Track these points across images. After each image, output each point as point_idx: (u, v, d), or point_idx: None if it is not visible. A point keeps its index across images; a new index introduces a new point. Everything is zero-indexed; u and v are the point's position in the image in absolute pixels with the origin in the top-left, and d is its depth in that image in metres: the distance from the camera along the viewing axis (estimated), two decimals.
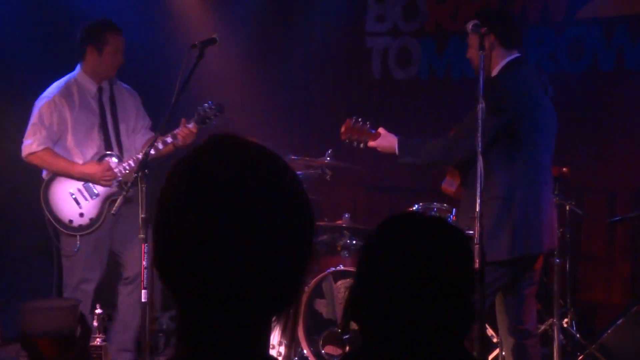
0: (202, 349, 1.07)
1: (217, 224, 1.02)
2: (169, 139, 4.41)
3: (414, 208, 4.55)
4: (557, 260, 4.54)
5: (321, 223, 4.97)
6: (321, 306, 4.77)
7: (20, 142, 4.59)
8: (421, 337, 1.53)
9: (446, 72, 5.97)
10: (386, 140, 3.89)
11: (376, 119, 4.14)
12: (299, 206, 1.09)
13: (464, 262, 1.59)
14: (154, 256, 1.09)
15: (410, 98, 6.06)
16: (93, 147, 4.59)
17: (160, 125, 3.93)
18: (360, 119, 3.98)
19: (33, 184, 4.68)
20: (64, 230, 4.57)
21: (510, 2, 5.80)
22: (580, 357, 4.74)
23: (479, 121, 3.35)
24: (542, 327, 4.65)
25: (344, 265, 4.77)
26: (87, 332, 1.35)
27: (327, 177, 4.93)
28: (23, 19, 5.45)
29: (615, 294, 5.57)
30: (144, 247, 3.76)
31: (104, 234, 4.63)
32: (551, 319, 4.59)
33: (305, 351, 4.69)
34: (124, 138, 4.68)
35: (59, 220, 4.55)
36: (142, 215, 3.69)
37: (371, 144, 3.92)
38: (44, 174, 4.63)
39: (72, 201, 4.55)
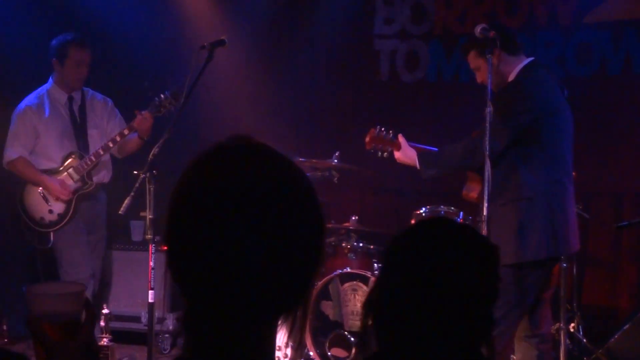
0: (209, 348, 1.08)
1: (229, 223, 1.03)
2: (125, 131, 4.67)
3: (421, 211, 4.56)
4: (564, 265, 4.53)
5: (328, 225, 4.97)
6: (328, 308, 4.78)
7: None
8: (439, 343, 1.53)
9: (454, 75, 5.96)
10: (406, 157, 3.91)
11: (384, 122, 4.14)
12: (311, 209, 1.10)
13: (489, 272, 1.58)
14: (167, 253, 1.10)
15: (417, 101, 6.05)
16: (64, 151, 4.80)
17: (169, 126, 3.91)
18: (383, 128, 3.99)
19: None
20: (38, 228, 4.76)
21: (518, 6, 5.79)
22: None
23: (487, 125, 3.35)
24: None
25: (350, 268, 4.78)
26: (92, 317, 1.36)
27: (334, 179, 4.93)
28: (27, 24, 5.50)
29: (621, 298, 5.55)
30: (151, 248, 3.78)
31: (79, 231, 4.80)
32: (558, 324, 4.57)
33: (311, 353, 4.70)
34: (93, 141, 4.86)
35: (32, 219, 4.76)
36: (150, 217, 3.71)
37: (396, 155, 3.95)
38: None
39: (42, 199, 4.75)
